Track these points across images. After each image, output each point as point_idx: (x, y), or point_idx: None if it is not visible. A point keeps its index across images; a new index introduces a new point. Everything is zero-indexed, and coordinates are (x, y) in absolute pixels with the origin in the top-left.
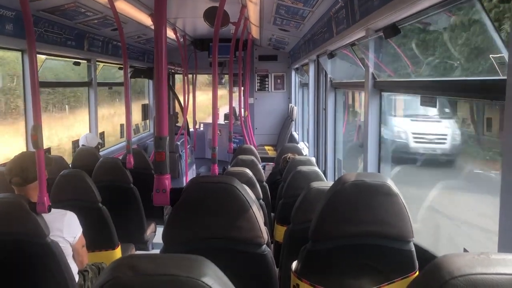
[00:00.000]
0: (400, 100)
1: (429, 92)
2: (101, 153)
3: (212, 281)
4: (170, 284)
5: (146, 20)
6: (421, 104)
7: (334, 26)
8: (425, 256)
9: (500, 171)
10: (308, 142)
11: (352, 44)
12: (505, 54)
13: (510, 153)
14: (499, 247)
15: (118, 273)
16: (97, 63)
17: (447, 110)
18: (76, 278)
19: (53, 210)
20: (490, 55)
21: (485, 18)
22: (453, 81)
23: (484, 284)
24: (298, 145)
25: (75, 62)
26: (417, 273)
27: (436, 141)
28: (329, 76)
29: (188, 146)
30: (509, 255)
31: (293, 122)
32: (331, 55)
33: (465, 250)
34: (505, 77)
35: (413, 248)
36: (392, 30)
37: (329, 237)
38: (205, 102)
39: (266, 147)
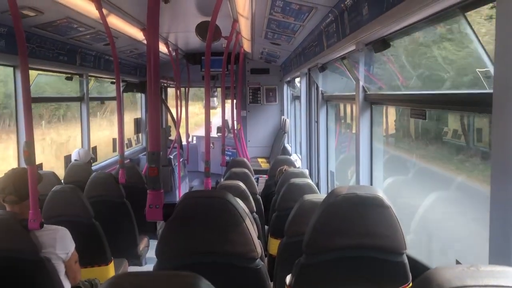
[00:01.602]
0: None
1: (419, 105)
2: (93, 168)
3: None
4: None
5: (138, 34)
6: (411, 117)
7: (325, 40)
8: (418, 268)
9: (490, 183)
10: (300, 154)
11: (343, 58)
12: (490, 68)
13: (499, 165)
14: (490, 258)
15: None
16: (89, 77)
17: None
18: None
19: (45, 226)
20: (477, 69)
21: (470, 33)
22: (441, 94)
23: None
24: (291, 157)
25: (67, 77)
26: (411, 285)
27: None
28: (320, 89)
29: (181, 160)
30: (498, 267)
31: (286, 134)
32: (322, 68)
33: (457, 262)
34: (491, 91)
35: (406, 260)
36: (382, 44)
37: (322, 250)
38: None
39: (259, 160)
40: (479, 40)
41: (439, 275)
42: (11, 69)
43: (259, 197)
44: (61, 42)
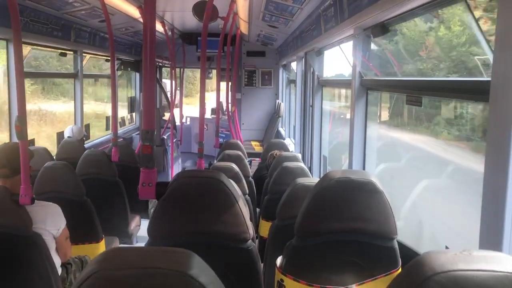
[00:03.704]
0: None
1: (415, 91)
2: (86, 146)
3: (198, 275)
4: (156, 277)
5: (134, 12)
6: (407, 103)
7: (323, 24)
8: (408, 254)
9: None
10: (294, 138)
11: (340, 42)
12: (489, 56)
13: (493, 152)
14: (480, 244)
15: (104, 265)
16: (83, 54)
17: None
18: (59, 271)
19: (36, 202)
20: (475, 57)
21: (471, 20)
22: (438, 81)
23: (466, 280)
24: (285, 141)
25: (61, 53)
26: (400, 270)
27: None
28: (316, 73)
29: (174, 140)
30: (490, 252)
31: (280, 118)
32: (319, 53)
33: (446, 248)
34: (489, 79)
35: (396, 246)
36: (381, 29)
37: (314, 233)
38: None
39: (253, 143)
40: (479, 27)
41: (431, 259)
42: None
43: (251, 180)
44: (56, 16)
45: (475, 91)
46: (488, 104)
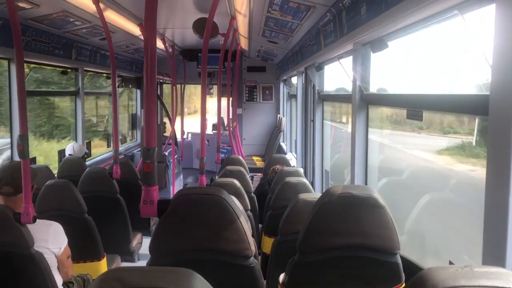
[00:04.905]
0: None
1: (415, 106)
2: (87, 163)
3: None
4: None
5: (135, 30)
6: (408, 118)
7: (322, 39)
8: (412, 269)
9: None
10: (296, 153)
11: (340, 57)
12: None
13: (494, 166)
14: (483, 259)
15: (106, 285)
16: (84, 72)
17: None
18: None
19: (38, 220)
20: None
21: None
22: (438, 96)
23: None
24: (286, 155)
25: (62, 71)
26: (403, 285)
27: None
28: (316, 88)
29: (175, 156)
30: (492, 268)
31: (281, 133)
32: (319, 68)
33: (450, 263)
34: (488, 93)
35: (400, 260)
36: (380, 44)
37: (316, 249)
38: None
39: (254, 158)
40: (477, 42)
41: (433, 275)
42: None
43: (253, 195)
44: (57, 35)
45: (475, 106)
46: (488, 118)
